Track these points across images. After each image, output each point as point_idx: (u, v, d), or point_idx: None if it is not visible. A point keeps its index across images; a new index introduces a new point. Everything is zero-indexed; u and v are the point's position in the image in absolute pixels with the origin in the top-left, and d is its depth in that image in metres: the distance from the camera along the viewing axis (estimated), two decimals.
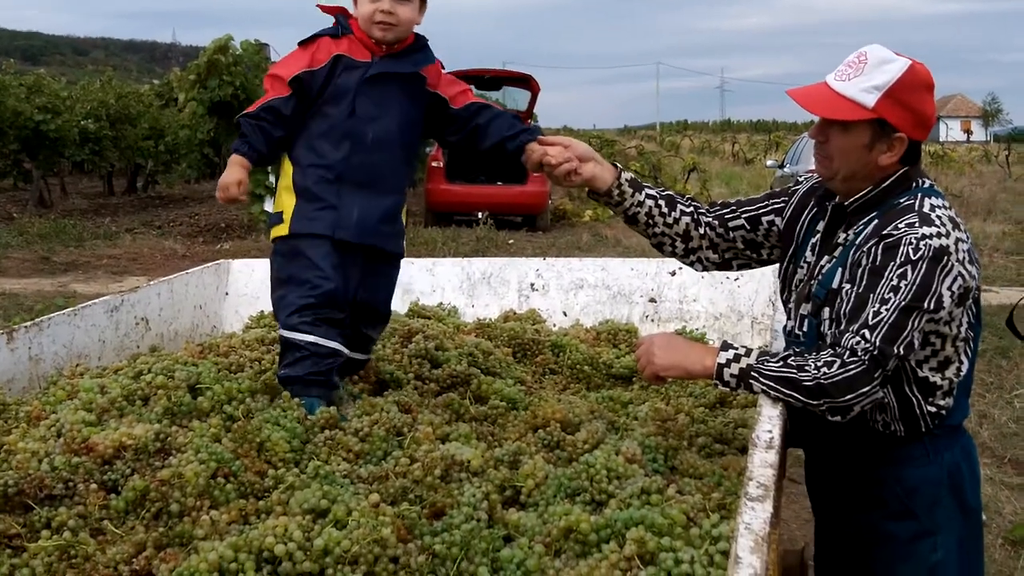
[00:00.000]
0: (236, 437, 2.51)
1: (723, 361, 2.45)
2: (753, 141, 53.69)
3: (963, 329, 2.48)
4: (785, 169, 18.81)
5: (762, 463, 1.98)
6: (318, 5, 3.00)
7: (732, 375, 2.43)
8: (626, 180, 2.89)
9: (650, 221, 2.90)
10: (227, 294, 4.39)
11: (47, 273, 12.52)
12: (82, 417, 2.57)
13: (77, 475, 2.29)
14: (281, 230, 2.94)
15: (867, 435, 2.57)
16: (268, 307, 3.45)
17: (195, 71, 15.34)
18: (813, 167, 2.68)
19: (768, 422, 2.21)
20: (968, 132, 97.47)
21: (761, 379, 2.38)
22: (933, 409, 2.50)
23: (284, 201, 2.95)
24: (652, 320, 4.29)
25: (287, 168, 2.97)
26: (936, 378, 2.48)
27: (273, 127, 2.87)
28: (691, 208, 2.92)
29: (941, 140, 70.60)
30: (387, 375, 3.23)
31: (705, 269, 3.00)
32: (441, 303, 4.44)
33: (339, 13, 2.95)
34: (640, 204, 2.89)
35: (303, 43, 2.94)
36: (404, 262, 4.55)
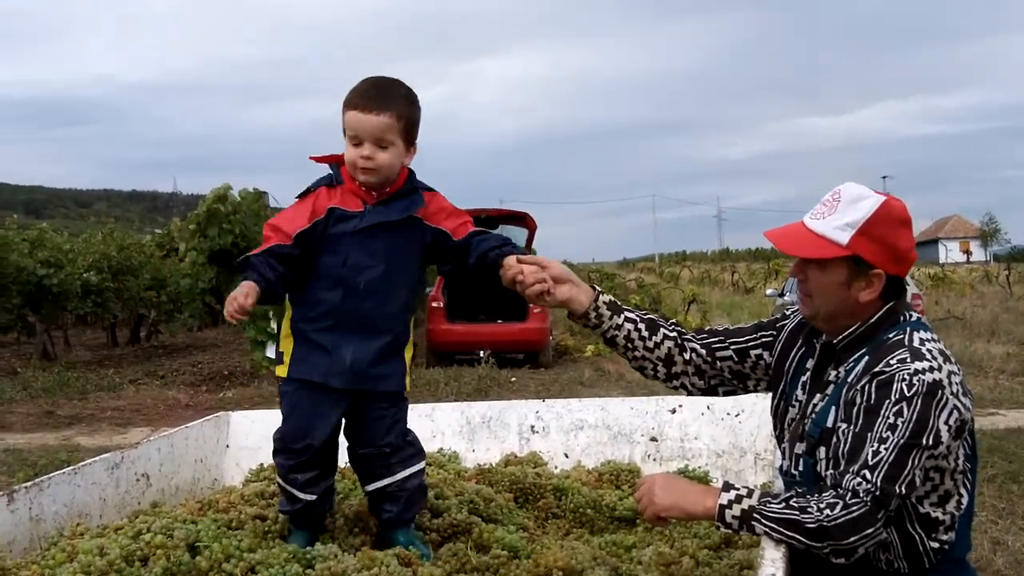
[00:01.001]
0: None
1: (724, 502, 2.43)
2: (752, 269, 54.02)
3: (960, 462, 2.47)
4: (785, 297, 18.93)
5: None
6: (311, 157, 3.05)
7: (734, 516, 2.41)
8: (604, 303, 2.91)
9: (629, 344, 2.91)
10: (228, 446, 4.38)
11: (51, 427, 12.45)
12: None
13: None
14: (281, 371, 3.02)
15: (871, 574, 2.53)
16: (268, 459, 3.46)
17: (195, 220, 15.51)
18: None
19: (771, 565, 2.19)
20: (967, 252, 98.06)
21: (764, 521, 2.36)
22: (936, 545, 2.47)
23: (284, 343, 3.03)
24: (654, 459, 4.26)
25: (288, 311, 3.05)
26: (938, 513, 2.46)
27: (279, 264, 2.88)
28: (675, 333, 2.93)
29: (941, 262, 71.06)
30: None
31: (690, 394, 3.00)
32: (441, 448, 4.42)
33: (332, 163, 3.00)
34: (618, 327, 2.90)
35: (302, 196, 2.98)
36: None
